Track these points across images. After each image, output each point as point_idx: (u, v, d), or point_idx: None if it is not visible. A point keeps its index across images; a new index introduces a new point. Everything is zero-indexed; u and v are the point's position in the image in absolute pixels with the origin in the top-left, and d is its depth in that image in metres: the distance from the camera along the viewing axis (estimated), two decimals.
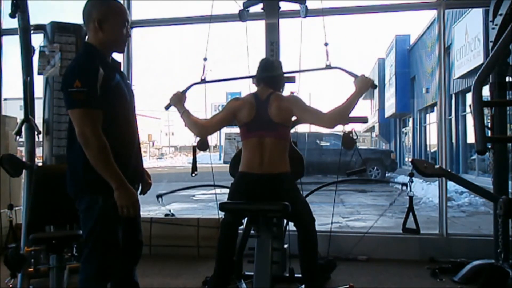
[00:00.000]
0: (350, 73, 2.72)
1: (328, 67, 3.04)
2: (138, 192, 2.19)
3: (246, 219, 2.80)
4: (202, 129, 2.79)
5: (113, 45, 2.04)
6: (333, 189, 3.72)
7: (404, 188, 3.29)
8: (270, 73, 2.84)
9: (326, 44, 3.11)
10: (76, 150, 1.89)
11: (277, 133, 2.68)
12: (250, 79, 3.12)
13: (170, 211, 4.17)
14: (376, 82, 2.66)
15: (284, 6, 3.68)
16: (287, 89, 3.24)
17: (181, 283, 3.51)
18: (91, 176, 1.87)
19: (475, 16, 10.71)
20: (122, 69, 2.19)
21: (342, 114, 2.57)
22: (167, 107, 2.91)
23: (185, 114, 2.76)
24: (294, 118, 2.82)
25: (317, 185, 3.74)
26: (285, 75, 3.02)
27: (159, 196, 3.77)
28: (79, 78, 1.85)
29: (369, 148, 23.15)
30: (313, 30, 3.62)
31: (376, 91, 23.44)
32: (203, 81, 3.25)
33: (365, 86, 2.61)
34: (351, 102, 2.55)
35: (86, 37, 2.09)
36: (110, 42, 2.01)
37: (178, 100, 2.82)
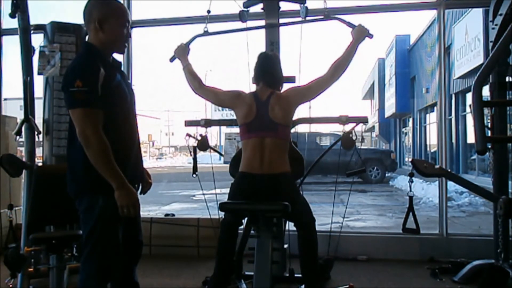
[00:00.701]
0: (348, 23, 2.85)
1: (326, 16, 3.14)
2: (138, 191, 2.19)
3: (246, 219, 2.81)
4: (198, 86, 2.89)
5: (114, 45, 2.04)
6: (333, 189, 3.72)
7: (404, 189, 3.29)
8: (270, 72, 2.84)
9: None
10: (77, 149, 1.89)
11: (277, 133, 2.68)
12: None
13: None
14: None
15: (284, 6, 3.68)
16: (286, 88, 3.24)
17: (181, 283, 3.51)
18: (91, 176, 1.87)
19: (475, 16, 10.71)
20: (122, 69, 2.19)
21: (342, 64, 2.68)
22: (171, 59, 3.04)
23: (187, 67, 2.91)
24: (295, 117, 2.83)
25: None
26: (284, 75, 3.02)
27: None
28: (80, 77, 1.85)
29: (369, 148, 23.16)
30: (313, 31, 3.62)
31: (376, 91, 23.53)
32: (206, 32, 3.33)
33: (361, 35, 2.72)
34: (350, 51, 2.68)
35: (87, 37, 2.08)
36: (111, 42, 2.01)
37: (182, 52, 2.95)
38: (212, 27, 3.60)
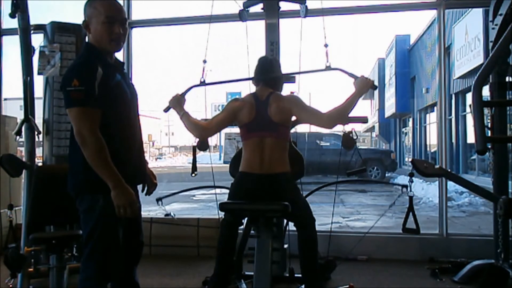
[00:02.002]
0: (350, 74, 2.70)
1: (328, 68, 3.02)
2: (144, 192, 2.19)
3: (246, 219, 2.81)
4: (202, 131, 2.76)
5: (103, 45, 2.00)
6: (333, 189, 3.72)
7: (404, 189, 3.28)
8: (269, 73, 2.83)
9: (326, 45, 3.09)
10: (77, 149, 1.89)
11: (277, 133, 2.68)
12: (250, 81, 3.11)
13: (171, 214, 4.13)
14: (376, 83, 2.65)
15: (284, 6, 3.68)
16: (287, 89, 3.25)
17: (181, 283, 3.51)
18: (92, 176, 1.87)
19: (475, 16, 10.70)
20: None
21: (341, 115, 2.56)
22: (166, 110, 2.88)
23: (185, 117, 2.74)
24: (293, 118, 2.82)
25: (317, 185, 3.74)
26: (285, 76, 3.01)
27: (159, 199, 3.76)
28: (77, 77, 1.85)
29: (369, 148, 23.14)
30: (313, 30, 3.62)
31: (376, 91, 23.47)
32: (203, 83, 3.23)
33: (365, 87, 2.58)
34: (351, 103, 2.54)
35: (87, 37, 2.09)
36: (98, 42, 2.00)
37: (177, 102, 2.79)
38: (212, 27, 3.61)
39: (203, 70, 3.28)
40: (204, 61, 3.35)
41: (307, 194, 3.35)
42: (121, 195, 1.87)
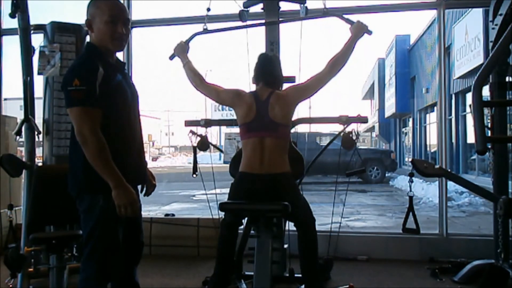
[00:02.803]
0: (346, 20, 2.84)
1: (326, 14, 3.14)
2: (143, 193, 2.19)
3: (246, 219, 2.81)
4: (199, 83, 2.88)
5: (106, 44, 2.00)
6: (333, 189, 3.72)
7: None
8: (270, 71, 2.84)
9: None
10: (78, 149, 1.89)
11: (277, 133, 2.68)
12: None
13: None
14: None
15: (284, 6, 3.68)
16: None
17: (181, 283, 3.51)
18: (92, 176, 1.87)
19: (475, 16, 10.70)
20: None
21: (341, 60, 2.68)
22: (171, 57, 3.02)
23: (188, 65, 2.91)
24: (295, 117, 2.82)
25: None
26: (284, 75, 3.02)
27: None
28: (77, 76, 1.86)
29: (369, 148, 23.14)
30: (313, 30, 3.62)
31: (376, 91, 23.54)
32: (206, 30, 3.32)
33: (360, 31, 2.72)
34: (349, 47, 2.68)
35: (88, 37, 2.09)
36: (100, 41, 2.00)
37: (182, 50, 2.95)
38: (212, 26, 3.61)
39: (205, 18, 3.42)
40: (208, 9, 3.50)
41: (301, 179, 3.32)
42: (122, 194, 1.87)
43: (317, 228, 2.73)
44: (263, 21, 3.64)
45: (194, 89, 2.92)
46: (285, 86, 2.98)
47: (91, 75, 1.87)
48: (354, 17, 2.87)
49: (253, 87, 2.92)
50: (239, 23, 3.60)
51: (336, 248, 3.71)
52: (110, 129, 1.91)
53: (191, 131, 3.36)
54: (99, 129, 1.86)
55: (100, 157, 1.84)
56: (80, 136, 1.84)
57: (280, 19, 3.61)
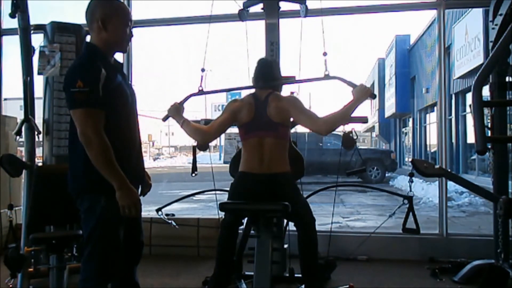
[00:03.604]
0: (349, 83, 2.69)
1: (327, 77, 3.02)
2: (139, 192, 2.19)
3: (246, 219, 2.81)
4: (204, 136, 2.76)
5: (116, 45, 2.04)
6: (333, 189, 3.72)
7: (405, 201, 3.26)
8: (269, 76, 2.83)
9: (325, 54, 3.07)
10: (78, 150, 1.89)
11: (277, 133, 2.68)
12: (249, 82, 3.11)
13: (172, 223, 4.08)
14: (375, 92, 2.62)
15: (284, 6, 3.68)
16: (287, 89, 3.24)
17: (181, 283, 3.51)
18: (92, 176, 1.87)
19: (475, 16, 10.71)
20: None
21: (336, 122, 2.55)
22: (164, 119, 2.88)
23: (185, 124, 2.73)
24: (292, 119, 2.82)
25: (318, 185, 3.74)
26: (284, 80, 3.02)
27: (158, 209, 3.74)
28: (81, 78, 1.85)
29: (369, 148, 23.13)
30: (313, 30, 3.62)
31: (376, 91, 23.51)
32: (201, 91, 3.22)
33: (363, 96, 2.52)
34: (348, 110, 2.50)
35: (89, 37, 2.08)
36: (114, 42, 2.01)
37: (176, 111, 2.78)
38: (212, 27, 3.61)
39: (201, 79, 3.25)
40: (203, 70, 3.34)
41: (309, 194, 3.34)
42: (126, 195, 1.87)
43: (317, 228, 2.74)
44: (263, 21, 3.64)
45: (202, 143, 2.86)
46: (286, 87, 2.99)
47: (94, 76, 1.87)
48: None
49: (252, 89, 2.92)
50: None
51: (336, 248, 3.71)
52: (111, 130, 1.91)
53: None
54: (103, 131, 1.86)
55: (104, 158, 1.84)
56: (84, 138, 1.84)
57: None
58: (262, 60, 2.95)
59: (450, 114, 13.69)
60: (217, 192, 3.59)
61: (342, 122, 2.59)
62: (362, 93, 2.51)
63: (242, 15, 3.72)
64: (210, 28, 3.67)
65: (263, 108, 2.69)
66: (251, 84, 2.93)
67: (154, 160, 33.40)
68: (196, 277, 3.56)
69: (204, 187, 4.03)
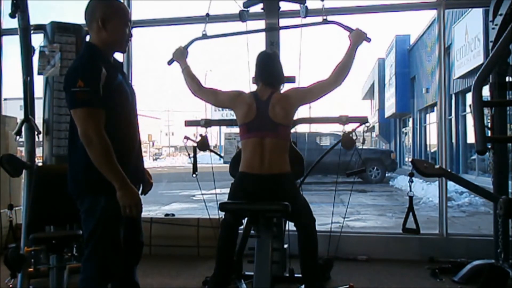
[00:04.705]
0: (346, 27, 2.86)
1: (325, 21, 3.14)
2: (140, 191, 2.19)
3: (246, 219, 2.81)
4: (198, 88, 2.88)
5: (116, 45, 2.05)
6: (333, 189, 3.72)
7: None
8: (270, 70, 2.83)
9: None
10: (78, 150, 1.89)
11: (277, 133, 2.68)
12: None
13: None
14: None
15: (284, 6, 3.68)
16: (287, 87, 3.24)
17: (181, 283, 3.51)
18: (93, 176, 1.87)
19: (475, 16, 10.71)
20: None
21: (344, 68, 2.68)
22: (169, 62, 3.02)
23: (186, 70, 2.92)
24: (295, 117, 2.82)
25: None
26: (285, 74, 3.02)
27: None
28: (82, 78, 1.85)
29: (369, 148, 23.13)
30: (313, 30, 3.62)
31: (376, 91, 23.54)
32: (205, 36, 3.33)
33: (359, 39, 2.72)
34: (349, 55, 2.69)
35: (88, 37, 2.08)
36: (113, 42, 2.02)
37: (180, 55, 2.96)
38: (212, 27, 3.60)
39: (205, 24, 3.41)
40: (207, 15, 3.51)
41: (301, 180, 3.32)
42: (127, 195, 1.87)
43: (317, 228, 2.74)
44: (263, 21, 3.64)
45: (192, 95, 2.92)
46: (287, 86, 2.99)
47: (95, 76, 1.87)
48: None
49: (253, 87, 2.92)
50: (239, 27, 3.59)
51: (336, 248, 3.71)
52: (112, 130, 1.91)
53: (186, 137, 3.35)
54: (104, 130, 1.86)
55: (105, 158, 1.84)
56: (85, 137, 1.84)
57: (281, 23, 3.60)
58: (263, 54, 2.94)
59: (450, 114, 13.69)
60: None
61: (349, 67, 2.70)
62: (358, 36, 2.74)
63: (242, 15, 3.71)
64: (210, 28, 3.67)
65: (265, 109, 2.69)
66: (252, 83, 2.94)
67: (154, 160, 33.41)
68: (196, 277, 3.56)
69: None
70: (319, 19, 3.25)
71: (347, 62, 2.69)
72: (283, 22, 3.66)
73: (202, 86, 2.90)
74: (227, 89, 2.87)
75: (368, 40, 2.75)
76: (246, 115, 2.71)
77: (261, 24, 3.69)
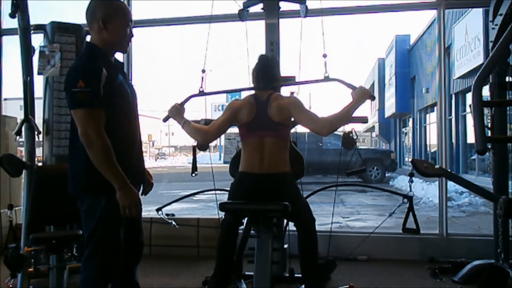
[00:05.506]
0: (348, 85, 2.72)
1: (327, 79, 3.04)
2: (140, 192, 2.19)
3: (246, 219, 2.81)
4: (205, 136, 2.76)
5: (117, 45, 2.04)
6: (333, 189, 3.72)
7: (405, 200, 3.25)
8: (270, 75, 2.83)
9: (324, 56, 3.10)
10: (78, 150, 1.89)
11: (277, 133, 2.68)
12: (249, 82, 3.11)
13: (172, 222, 4.04)
14: (376, 93, 2.66)
15: (284, 6, 3.68)
16: (287, 90, 3.25)
17: (181, 283, 3.51)
18: (93, 177, 1.87)
19: (475, 16, 10.71)
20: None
21: (337, 123, 2.56)
22: (165, 119, 2.90)
23: (186, 124, 2.75)
24: (292, 119, 2.82)
25: (318, 185, 3.74)
26: (284, 82, 3.03)
27: (158, 209, 3.74)
28: (82, 78, 1.85)
29: (369, 148, 23.12)
30: (313, 30, 3.63)
31: (376, 91, 23.53)
32: (202, 93, 3.24)
33: (363, 98, 2.55)
34: (348, 112, 2.53)
35: (89, 37, 2.08)
36: (114, 42, 2.01)
37: (176, 112, 2.80)
38: (212, 27, 3.60)
39: (202, 80, 3.27)
40: (203, 71, 3.35)
41: (308, 194, 3.35)
42: (127, 195, 1.87)
43: (317, 228, 2.74)
44: (263, 21, 3.63)
45: (205, 143, 2.88)
46: (287, 88, 3.00)
47: (95, 76, 1.87)
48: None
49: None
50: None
51: (336, 248, 3.71)
52: (112, 130, 1.91)
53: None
54: (104, 131, 1.86)
55: (105, 159, 1.84)
56: (85, 138, 1.84)
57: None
58: (263, 58, 2.94)
59: (450, 114, 13.69)
60: (217, 192, 3.59)
61: (343, 123, 2.60)
62: (362, 94, 2.55)
63: (242, 15, 3.71)
64: (210, 28, 3.67)
65: (264, 108, 2.69)
66: (251, 82, 2.93)
67: (156, 159, 33.44)
68: (196, 277, 3.56)
69: (204, 187, 4.02)
70: (320, 76, 3.07)
71: (343, 118, 2.54)
72: (283, 22, 3.66)
73: (207, 131, 2.75)
74: (225, 110, 2.80)
75: (372, 98, 2.62)
76: (246, 115, 2.71)
77: (261, 24, 3.69)
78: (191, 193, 4.04)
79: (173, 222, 3.67)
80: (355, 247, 3.89)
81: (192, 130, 2.74)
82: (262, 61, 2.89)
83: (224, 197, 2.86)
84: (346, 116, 2.53)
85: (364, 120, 3.18)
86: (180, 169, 20.91)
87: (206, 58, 3.43)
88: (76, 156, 1.94)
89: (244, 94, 2.93)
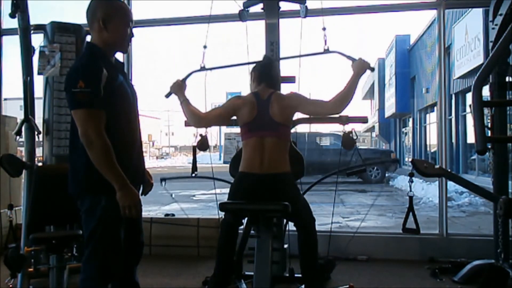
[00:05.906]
0: (348, 57, 2.79)
1: (327, 51, 3.09)
2: (140, 192, 2.19)
3: (246, 219, 2.81)
4: (199, 120, 2.83)
5: (117, 45, 2.04)
6: (333, 189, 3.72)
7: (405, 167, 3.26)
8: (272, 74, 2.85)
9: (324, 29, 3.14)
10: (78, 150, 1.89)
11: (278, 133, 2.68)
12: (249, 81, 3.11)
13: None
14: (372, 65, 2.69)
15: (284, 6, 3.68)
16: (287, 89, 3.24)
17: (181, 283, 3.51)
18: (93, 177, 1.87)
19: (475, 16, 10.70)
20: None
21: (345, 98, 2.61)
22: (167, 95, 2.95)
23: (185, 103, 2.82)
24: (295, 117, 2.82)
25: (317, 185, 3.74)
26: (283, 75, 3.04)
27: (163, 179, 3.75)
28: (82, 78, 1.85)
29: (369, 148, 23.12)
30: (313, 30, 3.62)
31: (376, 91, 23.55)
32: (203, 68, 3.28)
33: (362, 69, 2.65)
34: (352, 85, 2.61)
35: (89, 37, 2.08)
36: (114, 42, 2.01)
37: (178, 88, 2.87)
38: (212, 27, 3.60)
39: (203, 56, 3.33)
40: (205, 47, 3.39)
41: (307, 189, 3.34)
42: (127, 196, 1.87)
43: (317, 228, 2.74)
44: (263, 21, 3.63)
45: (196, 127, 2.91)
46: (286, 87, 3.00)
47: (96, 76, 1.87)
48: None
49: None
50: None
51: (336, 248, 3.71)
52: (112, 130, 1.91)
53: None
54: (104, 131, 1.86)
55: (105, 159, 1.84)
56: (85, 138, 1.84)
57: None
58: (266, 58, 2.97)
59: (450, 114, 13.69)
60: (217, 193, 3.59)
61: (350, 97, 2.63)
62: (361, 66, 2.65)
63: (242, 15, 3.71)
64: (210, 28, 3.67)
65: (266, 108, 2.70)
66: (250, 79, 2.94)
67: (157, 158, 33.48)
68: (196, 277, 3.56)
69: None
70: (320, 48, 3.13)
71: (349, 92, 2.60)
72: (283, 22, 3.66)
73: (201, 116, 2.81)
74: (226, 102, 2.84)
75: (372, 69, 2.69)
76: (248, 115, 2.72)
77: (261, 24, 3.69)
78: (199, 176, 4.01)
79: (173, 195, 3.65)
80: (355, 247, 3.89)
81: (188, 111, 2.80)
82: (268, 61, 2.93)
83: (224, 197, 2.86)
84: (351, 89, 2.61)
85: (364, 120, 3.19)
86: (180, 169, 20.91)
87: (204, 53, 3.42)
88: (76, 156, 1.94)
89: (244, 93, 2.93)
